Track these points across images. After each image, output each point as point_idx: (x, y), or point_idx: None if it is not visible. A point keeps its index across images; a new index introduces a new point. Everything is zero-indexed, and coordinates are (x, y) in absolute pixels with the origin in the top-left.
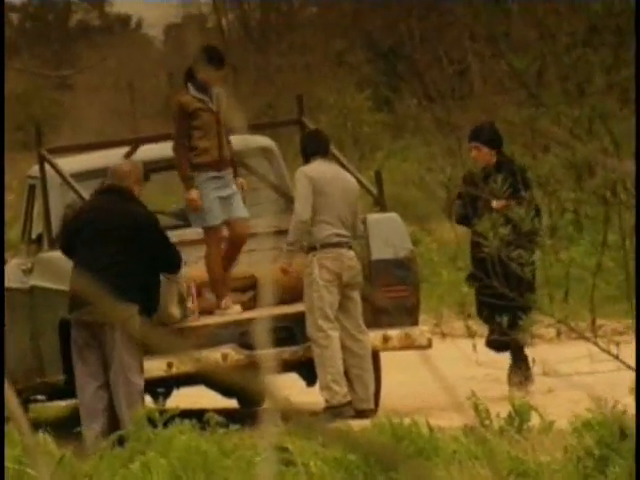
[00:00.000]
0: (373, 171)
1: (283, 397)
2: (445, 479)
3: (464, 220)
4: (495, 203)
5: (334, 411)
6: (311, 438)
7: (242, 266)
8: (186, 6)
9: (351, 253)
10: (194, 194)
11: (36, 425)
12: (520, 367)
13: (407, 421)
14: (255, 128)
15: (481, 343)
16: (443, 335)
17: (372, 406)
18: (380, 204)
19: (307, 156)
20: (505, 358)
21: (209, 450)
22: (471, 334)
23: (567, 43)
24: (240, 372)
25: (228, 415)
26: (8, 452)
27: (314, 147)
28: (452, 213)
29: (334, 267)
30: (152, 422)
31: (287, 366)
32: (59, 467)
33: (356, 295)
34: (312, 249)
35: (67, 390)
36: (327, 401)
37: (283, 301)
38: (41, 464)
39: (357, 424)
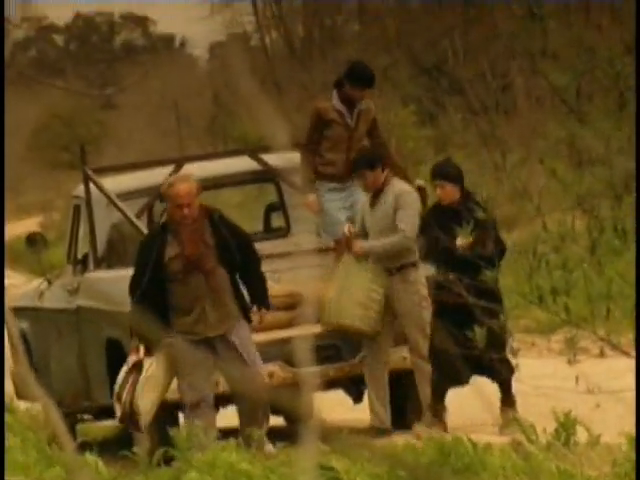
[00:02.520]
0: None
1: (322, 416)
2: None
3: (427, 257)
4: (459, 241)
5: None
6: (356, 456)
7: (286, 284)
8: (230, 25)
9: None
10: (312, 198)
11: (84, 445)
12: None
13: (452, 437)
14: (300, 146)
15: (523, 360)
16: None
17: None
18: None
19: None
20: (555, 373)
21: (252, 469)
22: (514, 354)
23: (607, 57)
24: (286, 390)
25: (275, 433)
26: (51, 471)
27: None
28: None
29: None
30: (196, 441)
31: (333, 383)
32: None
33: None
34: (413, 265)
35: (114, 409)
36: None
37: None
38: None
39: (402, 440)
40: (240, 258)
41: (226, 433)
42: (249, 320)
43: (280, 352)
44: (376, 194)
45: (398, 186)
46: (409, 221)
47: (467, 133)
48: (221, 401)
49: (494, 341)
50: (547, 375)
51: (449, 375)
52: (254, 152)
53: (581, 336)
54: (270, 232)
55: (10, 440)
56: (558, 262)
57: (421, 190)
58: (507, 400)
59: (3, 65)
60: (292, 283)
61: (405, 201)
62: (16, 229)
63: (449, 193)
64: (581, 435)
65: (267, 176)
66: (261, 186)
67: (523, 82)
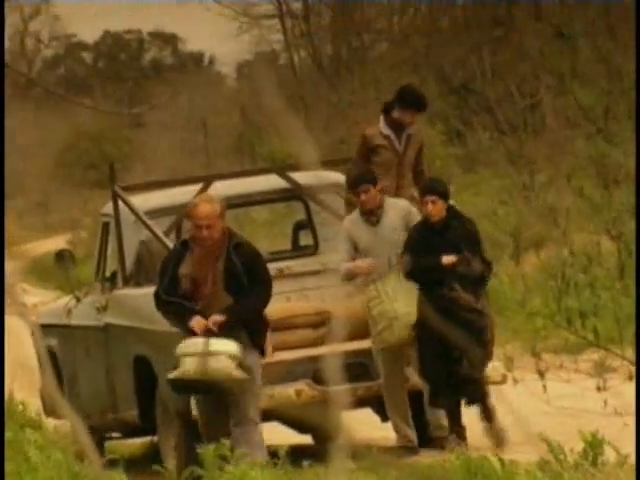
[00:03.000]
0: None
1: (352, 434)
2: None
3: (414, 275)
4: (445, 259)
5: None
6: (384, 474)
7: (315, 302)
8: (258, 43)
9: None
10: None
11: (112, 462)
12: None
13: (478, 455)
14: (328, 164)
15: (551, 383)
16: (515, 381)
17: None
18: None
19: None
20: (583, 394)
21: None
22: (541, 375)
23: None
24: (314, 408)
25: (303, 451)
26: None
27: None
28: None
29: None
30: (224, 459)
31: (361, 402)
32: None
33: None
34: None
35: (142, 427)
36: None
37: (357, 337)
38: None
39: (429, 459)
40: (249, 288)
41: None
42: (260, 350)
43: (308, 370)
44: (372, 212)
45: (396, 201)
46: None
47: (495, 152)
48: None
49: (474, 362)
50: (575, 396)
51: (439, 394)
52: (282, 170)
53: (609, 357)
54: (298, 250)
55: (36, 457)
56: (586, 283)
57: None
58: (486, 414)
59: (3, 64)
60: (320, 301)
61: (413, 215)
62: (44, 246)
63: (440, 209)
64: (609, 455)
65: (295, 194)
66: (289, 204)
67: (551, 101)
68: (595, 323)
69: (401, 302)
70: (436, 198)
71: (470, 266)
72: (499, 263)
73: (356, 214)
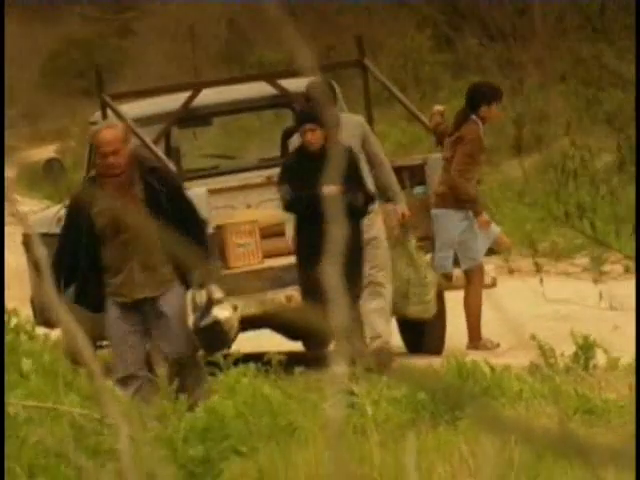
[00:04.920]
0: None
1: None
2: (510, 418)
3: (292, 207)
4: (326, 189)
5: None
6: (375, 379)
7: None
8: None
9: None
10: (487, 216)
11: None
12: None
13: (471, 360)
14: (322, 69)
15: (548, 278)
16: (511, 272)
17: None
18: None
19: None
20: (573, 294)
21: (272, 393)
22: (538, 269)
23: None
24: (305, 313)
25: (294, 358)
26: (73, 398)
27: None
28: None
29: None
30: (217, 366)
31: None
32: (128, 411)
33: None
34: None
35: None
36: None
37: None
38: (112, 409)
39: (421, 364)
40: (174, 216)
41: (248, 359)
42: (187, 285)
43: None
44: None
45: (350, 116)
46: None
47: (484, 58)
48: (241, 325)
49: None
50: (566, 298)
51: None
52: (271, 77)
53: (605, 257)
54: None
55: (26, 365)
56: (586, 178)
57: (440, 114)
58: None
59: (3, 64)
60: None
61: (368, 131)
62: (32, 156)
63: (319, 138)
64: (600, 358)
65: (284, 101)
66: (278, 111)
67: (541, 5)
68: (593, 219)
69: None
70: (314, 126)
71: (355, 196)
72: (501, 160)
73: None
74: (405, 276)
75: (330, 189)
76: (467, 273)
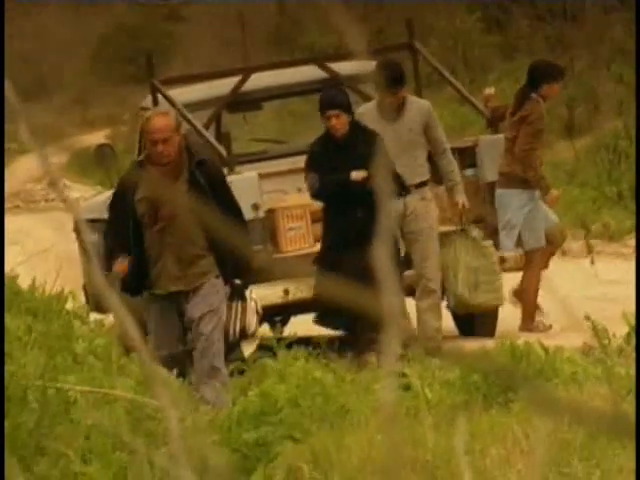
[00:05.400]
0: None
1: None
2: (564, 400)
3: (320, 194)
4: (355, 174)
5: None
6: (427, 362)
7: None
8: None
9: None
10: (556, 192)
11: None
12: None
13: (524, 342)
14: (375, 52)
15: (599, 259)
16: (563, 253)
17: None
18: (490, 123)
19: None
20: (625, 275)
21: (324, 377)
22: (590, 250)
23: None
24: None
25: (343, 343)
26: (126, 382)
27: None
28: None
29: None
30: (270, 350)
31: (408, 291)
32: (179, 395)
33: None
34: (427, 183)
35: None
36: None
37: None
38: (161, 393)
39: (473, 346)
40: (216, 210)
41: (300, 342)
42: (226, 281)
43: None
44: (395, 110)
45: (418, 100)
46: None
47: (534, 39)
48: (292, 309)
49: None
50: (616, 280)
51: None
52: (321, 60)
53: None
54: None
55: (79, 349)
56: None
57: (492, 97)
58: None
59: (3, 64)
60: None
61: (433, 118)
62: (84, 141)
63: (344, 123)
64: None
65: (335, 84)
66: None
67: None
68: None
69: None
70: (339, 112)
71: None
72: (552, 140)
73: (372, 106)
74: (473, 265)
75: (358, 174)
76: (528, 254)
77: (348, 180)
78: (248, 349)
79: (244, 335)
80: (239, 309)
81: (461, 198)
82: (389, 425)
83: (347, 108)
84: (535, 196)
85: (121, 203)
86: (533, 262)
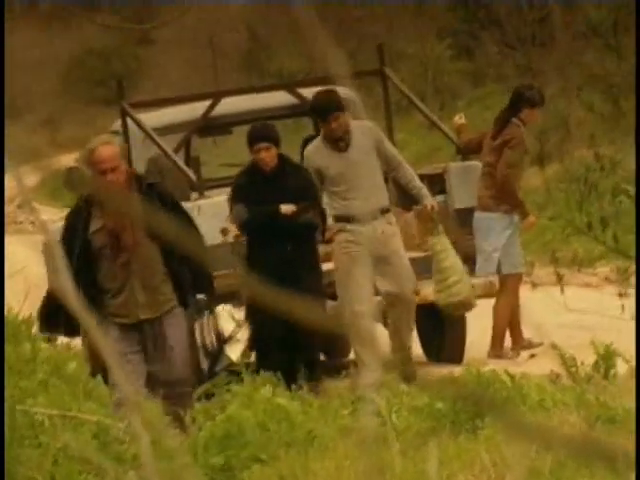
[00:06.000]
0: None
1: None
2: (533, 425)
3: (248, 227)
4: (284, 208)
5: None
6: (396, 388)
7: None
8: None
9: None
10: (533, 218)
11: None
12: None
13: (490, 370)
14: (336, 80)
15: (569, 287)
16: (534, 285)
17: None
18: (462, 153)
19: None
20: (595, 303)
21: (290, 404)
22: (559, 279)
23: None
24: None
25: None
26: (92, 406)
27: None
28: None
29: None
30: (236, 375)
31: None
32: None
33: None
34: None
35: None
36: None
37: None
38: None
39: (439, 373)
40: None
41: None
42: (186, 306)
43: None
44: (341, 138)
45: (362, 123)
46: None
47: (504, 66)
48: None
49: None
50: (587, 307)
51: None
52: (291, 86)
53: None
54: None
55: (46, 375)
56: (608, 188)
57: (464, 127)
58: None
59: (3, 64)
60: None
61: (381, 135)
62: (53, 164)
63: (273, 156)
64: (621, 367)
65: (304, 110)
66: (298, 120)
67: (560, 14)
68: (616, 230)
69: (457, 267)
70: (269, 145)
71: (309, 215)
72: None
73: (319, 142)
74: (442, 265)
75: (288, 208)
76: (504, 280)
77: (277, 213)
78: (235, 352)
79: (223, 341)
80: (209, 321)
81: (429, 201)
82: (356, 450)
83: (276, 141)
84: (514, 220)
85: (72, 238)
86: (507, 287)
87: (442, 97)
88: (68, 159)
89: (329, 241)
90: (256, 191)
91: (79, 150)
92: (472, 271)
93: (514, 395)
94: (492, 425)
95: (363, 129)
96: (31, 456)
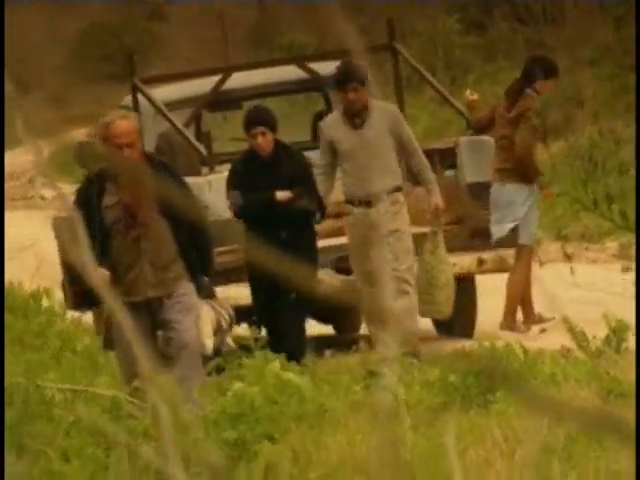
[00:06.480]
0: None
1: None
2: (546, 398)
3: (243, 213)
4: (280, 194)
5: None
6: (407, 363)
7: (337, 192)
8: None
9: None
10: (552, 190)
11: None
12: None
13: (504, 343)
14: (347, 54)
15: (578, 263)
16: (541, 263)
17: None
18: (474, 130)
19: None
20: (603, 280)
21: (300, 379)
22: (567, 257)
23: None
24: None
25: (325, 341)
26: (105, 380)
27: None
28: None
29: None
30: (247, 349)
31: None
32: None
33: None
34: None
35: None
36: None
37: None
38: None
39: (453, 348)
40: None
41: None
42: (197, 287)
43: (329, 260)
44: (358, 113)
45: (385, 104)
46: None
47: (514, 41)
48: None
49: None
50: (595, 283)
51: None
52: (301, 60)
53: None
54: (318, 141)
55: (56, 345)
56: (614, 165)
57: (476, 103)
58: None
59: (3, 65)
60: (340, 191)
61: (401, 119)
62: (63, 139)
63: (269, 142)
64: (632, 341)
65: (315, 85)
66: (309, 95)
67: None
68: (622, 207)
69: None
70: (265, 130)
71: (307, 201)
72: None
73: (337, 115)
74: (428, 272)
75: (284, 195)
76: (520, 250)
77: (273, 200)
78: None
79: (221, 330)
80: (214, 305)
81: (436, 199)
82: (368, 425)
83: (272, 126)
84: (535, 191)
85: (87, 207)
86: (522, 257)
87: (453, 72)
88: (78, 134)
89: (339, 215)
90: (252, 177)
91: (88, 125)
92: (484, 245)
93: (525, 369)
94: (504, 399)
95: (383, 110)
96: (43, 430)
